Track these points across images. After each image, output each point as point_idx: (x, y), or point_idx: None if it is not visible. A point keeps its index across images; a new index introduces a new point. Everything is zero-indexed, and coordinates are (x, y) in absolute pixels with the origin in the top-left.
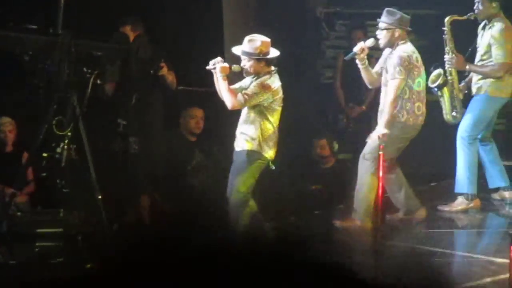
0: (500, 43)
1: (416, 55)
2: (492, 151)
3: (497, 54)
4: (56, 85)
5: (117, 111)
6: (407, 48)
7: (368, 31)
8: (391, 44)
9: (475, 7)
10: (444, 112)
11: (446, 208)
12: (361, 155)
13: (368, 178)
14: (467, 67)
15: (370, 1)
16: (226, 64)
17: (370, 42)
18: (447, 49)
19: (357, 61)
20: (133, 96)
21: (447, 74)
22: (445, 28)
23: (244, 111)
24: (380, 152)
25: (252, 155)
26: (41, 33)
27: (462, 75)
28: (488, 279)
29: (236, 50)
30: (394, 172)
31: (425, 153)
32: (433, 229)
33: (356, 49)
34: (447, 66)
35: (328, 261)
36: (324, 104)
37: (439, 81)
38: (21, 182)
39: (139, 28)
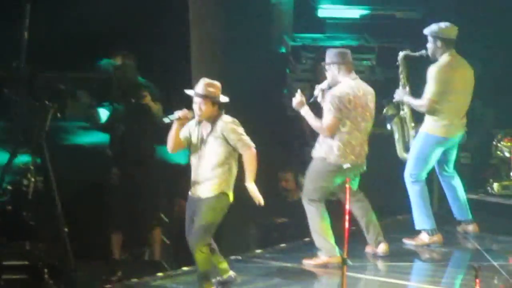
0: (431, 80)
1: (350, 96)
2: (455, 185)
3: (426, 90)
4: (17, 116)
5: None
6: (342, 89)
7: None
8: (336, 81)
9: (427, 44)
10: (397, 148)
11: (410, 241)
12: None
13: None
14: (404, 98)
15: (336, 34)
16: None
17: (325, 84)
18: (400, 82)
19: (321, 102)
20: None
21: (401, 109)
22: (398, 63)
23: (216, 157)
24: (347, 185)
25: (221, 198)
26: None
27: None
28: None
29: (190, 92)
30: (357, 202)
31: (392, 186)
32: (399, 262)
33: (316, 92)
34: (396, 99)
35: None
36: (290, 136)
37: (386, 111)
38: None
39: (131, 58)
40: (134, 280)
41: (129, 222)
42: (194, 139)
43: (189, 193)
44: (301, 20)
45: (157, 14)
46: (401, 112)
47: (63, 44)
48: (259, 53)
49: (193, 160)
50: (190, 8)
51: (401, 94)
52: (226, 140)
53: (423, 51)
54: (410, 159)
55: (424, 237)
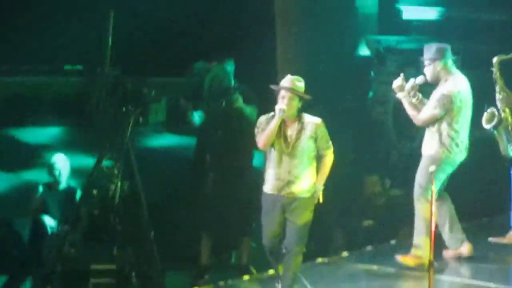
0: None
1: (461, 95)
2: None
3: None
4: (102, 121)
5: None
6: (453, 87)
7: (420, 66)
8: (437, 78)
9: None
10: (501, 148)
11: (497, 240)
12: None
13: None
14: None
15: (420, 37)
16: None
17: (419, 79)
18: (497, 88)
19: (411, 98)
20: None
21: (501, 113)
22: (493, 68)
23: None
24: (432, 187)
25: (313, 197)
26: (85, 73)
27: None
28: None
29: (276, 87)
30: (442, 205)
31: (481, 188)
32: (485, 264)
33: (407, 86)
34: (499, 105)
35: None
36: (376, 140)
37: (495, 121)
38: (74, 219)
39: (228, 65)
40: (221, 283)
41: (219, 228)
42: (279, 137)
43: (270, 191)
44: (385, 23)
45: (245, 19)
46: (502, 115)
47: (155, 48)
48: (343, 57)
49: (280, 158)
50: (276, 14)
51: (510, 99)
52: (315, 140)
53: None
54: None
55: None
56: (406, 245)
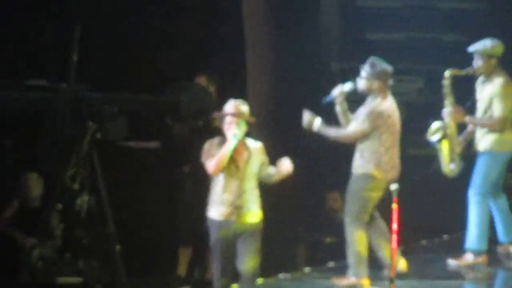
0: (500, 97)
1: (389, 112)
2: (501, 206)
3: (497, 108)
4: (59, 136)
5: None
6: (381, 104)
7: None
8: (368, 93)
9: (474, 62)
10: (442, 164)
11: (455, 262)
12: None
13: (353, 233)
14: (467, 119)
15: (386, 56)
16: None
17: (348, 86)
18: (446, 102)
19: (336, 105)
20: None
21: (446, 127)
22: (444, 82)
23: None
24: (394, 205)
25: None
26: (48, 89)
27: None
28: None
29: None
30: (375, 226)
31: (440, 205)
32: (444, 280)
33: (334, 92)
34: (446, 119)
35: None
36: (337, 156)
37: (439, 134)
38: (42, 233)
39: (213, 82)
40: None
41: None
42: (228, 162)
43: (218, 217)
44: (349, 44)
45: (215, 38)
46: (447, 130)
47: (124, 64)
48: (308, 75)
49: (229, 182)
50: (246, 33)
51: (458, 114)
52: (261, 164)
53: (469, 69)
54: (476, 178)
55: (469, 258)
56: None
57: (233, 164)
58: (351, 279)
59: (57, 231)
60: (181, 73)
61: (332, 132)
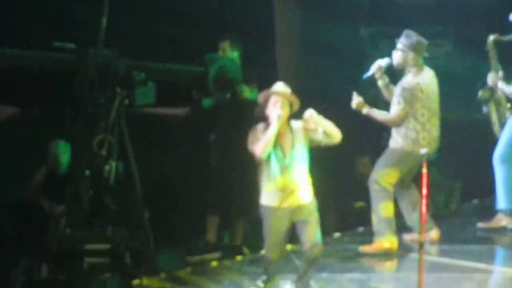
0: None
1: (421, 86)
2: None
3: None
4: (87, 102)
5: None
6: (412, 80)
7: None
8: (403, 66)
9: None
10: (494, 130)
11: (485, 224)
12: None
13: (380, 201)
14: (499, 85)
15: (414, 19)
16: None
17: (385, 61)
18: (492, 67)
19: (377, 80)
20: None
21: (493, 91)
22: (488, 48)
23: None
24: (424, 170)
25: None
26: (77, 52)
27: None
28: None
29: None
30: (408, 193)
31: (473, 169)
32: (474, 245)
33: (373, 68)
34: (489, 83)
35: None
36: (367, 121)
37: (481, 95)
38: (70, 200)
39: (237, 48)
40: (213, 263)
41: (217, 208)
42: (275, 148)
43: (272, 203)
44: (378, 8)
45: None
46: (495, 94)
47: (152, 33)
48: (337, 40)
49: (279, 169)
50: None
51: (495, 79)
52: (312, 138)
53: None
54: (502, 140)
55: (501, 218)
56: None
57: (279, 149)
58: (378, 245)
59: (85, 198)
60: (209, 44)
61: (379, 116)
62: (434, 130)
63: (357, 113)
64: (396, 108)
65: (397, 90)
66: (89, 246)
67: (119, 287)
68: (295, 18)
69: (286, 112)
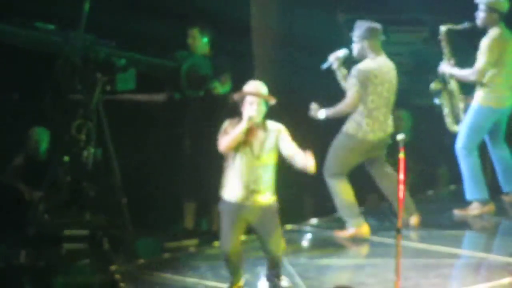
0: (485, 49)
1: (376, 72)
2: (504, 156)
3: (478, 60)
4: (68, 87)
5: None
6: (368, 64)
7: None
8: (363, 56)
9: (476, 14)
10: (447, 121)
11: (461, 212)
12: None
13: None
14: (452, 71)
15: (391, 6)
16: None
17: (343, 52)
18: (444, 57)
19: (336, 71)
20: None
21: (446, 82)
22: (440, 37)
23: None
24: (401, 155)
25: None
26: (57, 34)
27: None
28: (508, 279)
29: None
30: (386, 177)
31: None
32: (450, 230)
33: (331, 59)
34: (440, 71)
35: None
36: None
37: (433, 86)
38: (48, 186)
39: (207, 33)
40: (191, 249)
41: (193, 195)
42: (245, 145)
43: (233, 199)
44: None
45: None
46: (448, 86)
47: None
48: (315, 26)
49: (245, 167)
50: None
51: (447, 66)
52: (281, 146)
53: (466, 24)
54: (463, 131)
55: (475, 207)
56: (374, 211)
57: (248, 147)
58: (351, 231)
59: (64, 184)
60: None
61: (336, 110)
62: (381, 118)
63: (334, 100)
64: (351, 91)
65: (352, 72)
66: (67, 232)
67: (97, 273)
68: (271, 5)
69: (261, 111)
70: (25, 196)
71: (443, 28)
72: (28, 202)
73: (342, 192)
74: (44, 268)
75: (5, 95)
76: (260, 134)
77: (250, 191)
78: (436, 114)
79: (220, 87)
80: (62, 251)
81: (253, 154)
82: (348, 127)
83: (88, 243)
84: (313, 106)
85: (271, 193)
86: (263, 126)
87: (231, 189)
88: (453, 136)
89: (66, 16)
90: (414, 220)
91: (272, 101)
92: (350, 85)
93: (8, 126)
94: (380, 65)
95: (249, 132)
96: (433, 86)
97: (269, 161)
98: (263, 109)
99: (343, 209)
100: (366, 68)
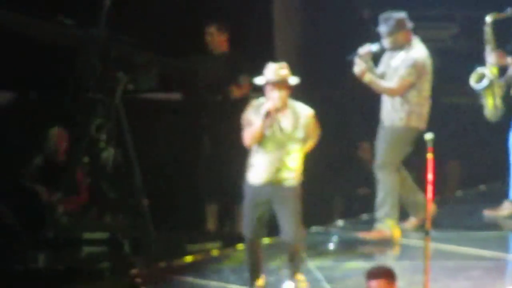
0: None
1: (427, 62)
2: None
3: None
4: (87, 85)
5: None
6: (421, 53)
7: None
8: (399, 47)
9: None
10: (485, 110)
11: (492, 212)
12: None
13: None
14: (507, 61)
15: (417, 2)
16: None
17: (376, 46)
18: (488, 47)
19: (358, 63)
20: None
21: (490, 72)
22: (485, 27)
23: None
24: (429, 154)
25: None
26: (80, 29)
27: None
28: None
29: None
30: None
31: (477, 154)
32: (480, 231)
33: (362, 51)
34: (487, 64)
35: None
36: (370, 105)
37: (485, 80)
38: (68, 188)
39: (224, 31)
40: (214, 251)
41: (215, 197)
42: (272, 125)
43: (257, 181)
44: None
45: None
46: (489, 75)
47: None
48: (339, 22)
49: (272, 146)
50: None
51: (496, 58)
52: (305, 130)
53: (508, 10)
54: None
55: (506, 207)
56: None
57: (275, 125)
58: (382, 232)
59: (83, 185)
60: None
61: (382, 84)
62: (428, 109)
63: (359, 96)
64: (402, 78)
65: (405, 62)
66: (87, 235)
67: (117, 277)
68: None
69: (283, 96)
70: (43, 198)
71: (489, 19)
72: (47, 204)
73: (394, 189)
74: (63, 272)
75: (23, 95)
76: (287, 114)
77: (276, 169)
78: (463, 111)
79: (238, 91)
80: (81, 254)
81: (281, 132)
82: (408, 121)
83: (108, 246)
84: (360, 63)
85: (295, 174)
86: (290, 107)
87: (256, 171)
88: (491, 130)
89: (86, 12)
90: (412, 222)
91: (293, 83)
92: (403, 73)
93: (27, 126)
94: (424, 53)
95: (274, 113)
96: (476, 76)
97: (295, 141)
98: (285, 93)
99: (386, 206)
100: (421, 56)
